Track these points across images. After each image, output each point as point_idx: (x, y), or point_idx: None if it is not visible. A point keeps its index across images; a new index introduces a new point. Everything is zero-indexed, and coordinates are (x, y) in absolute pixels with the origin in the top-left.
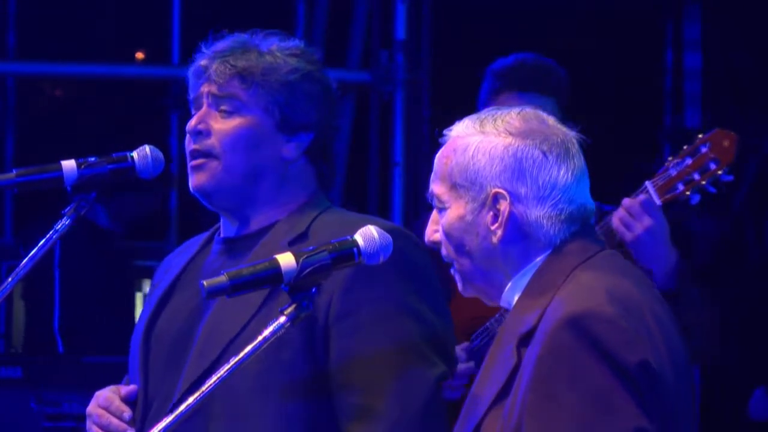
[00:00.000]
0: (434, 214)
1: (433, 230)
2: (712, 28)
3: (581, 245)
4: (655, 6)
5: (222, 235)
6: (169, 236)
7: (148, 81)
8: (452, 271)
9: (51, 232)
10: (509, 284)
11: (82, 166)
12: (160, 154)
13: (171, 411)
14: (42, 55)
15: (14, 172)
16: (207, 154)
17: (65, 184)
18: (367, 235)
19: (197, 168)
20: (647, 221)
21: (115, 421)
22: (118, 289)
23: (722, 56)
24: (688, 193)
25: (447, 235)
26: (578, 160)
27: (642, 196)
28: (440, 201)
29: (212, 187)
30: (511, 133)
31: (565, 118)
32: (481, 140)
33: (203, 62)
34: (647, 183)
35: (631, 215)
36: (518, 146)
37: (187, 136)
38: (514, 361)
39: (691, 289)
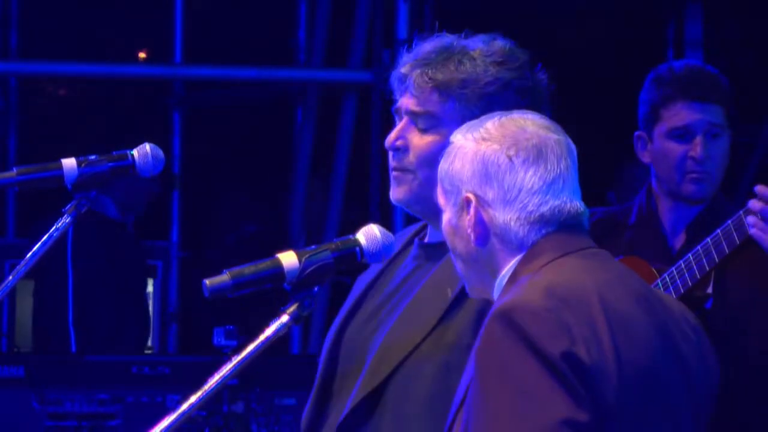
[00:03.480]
0: None
1: None
2: (713, 28)
3: (554, 245)
4: (656, 6)
5: (425, 240)
6: (171, 235)
7: (150, 80)
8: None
9: (52, 230)
10: (495, 286)
11: (83, 165)
12: (161, 153)
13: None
14: (44, 54)
15: (15, 170)
16: (404, 169)
17: (66, 183)
18: (370, 234)
19: (396, 180)
20: None
21: None
22: (132, 279)
23: (724, 56)
24: None
25: (444, 236)
26: (554, 164)
27: None
28: (440, 205)
29: (410, 199)
30: (484, 139)
31: (732, 125)
32: (460, 146)
33: (404, 69)
34: None
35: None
36: (485, 152)
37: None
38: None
39: None
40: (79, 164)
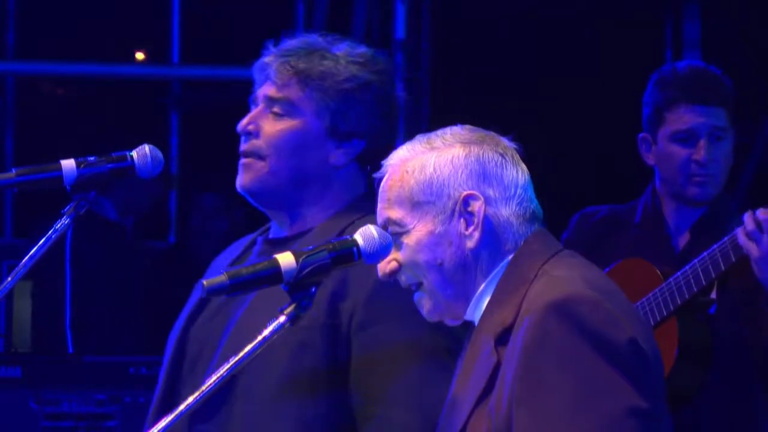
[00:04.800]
0: None
1: (388, 261)
2: (711, 27)
3: (544, 244)
4: (655, 6)
5: (269, 236)
6: (168, 236)
7: (148, 80)
8: (416, 297)
9: (51, 232)
10: (479, 289)
11: (82, 166)
12: (160, 154)
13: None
14: (42, 54)
15: (14, 171)
16: (254, 155)
17: (64, 184)
18: (367, 234)
19: (244, 167)
20: None
21: None
22: (131, 281)
23: (722, 56)
24: None
25: (416, 254)
26: (523, 166)
27: None
28: (401, 225)
29: (257, 187)
30: (465, 142)
31: (735, 126)
32: (437, 155)
33: (267, 59)
34: None
35: (761, 229)
36: (477, 152)
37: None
38: (494, 359)
39: None
40: (78, 165)
